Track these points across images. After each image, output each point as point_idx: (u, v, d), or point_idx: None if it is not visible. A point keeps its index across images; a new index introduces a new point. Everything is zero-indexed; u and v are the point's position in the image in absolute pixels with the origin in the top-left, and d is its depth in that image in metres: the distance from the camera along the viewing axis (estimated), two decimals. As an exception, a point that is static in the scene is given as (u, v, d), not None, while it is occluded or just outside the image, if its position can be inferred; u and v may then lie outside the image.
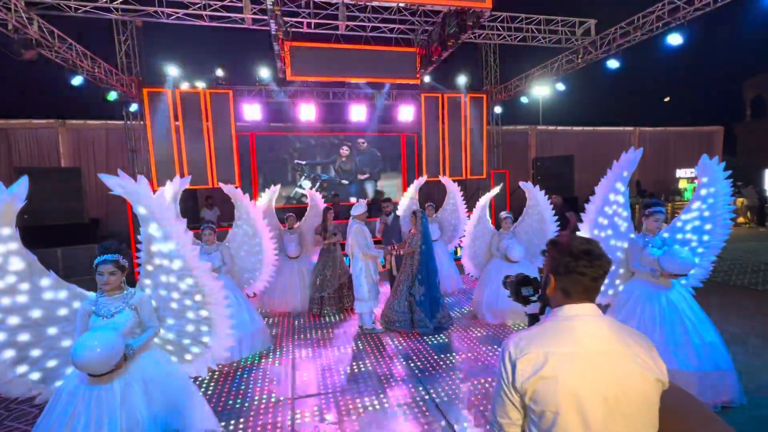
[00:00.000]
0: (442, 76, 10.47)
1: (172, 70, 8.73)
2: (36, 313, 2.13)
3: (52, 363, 2.22)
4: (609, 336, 1.09)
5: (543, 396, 1.06)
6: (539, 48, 8.52)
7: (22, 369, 2.15)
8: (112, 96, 7.92)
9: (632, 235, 3.26)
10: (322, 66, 7.86)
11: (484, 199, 5.17)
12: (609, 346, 1.08)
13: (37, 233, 7.06)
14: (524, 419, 1.15)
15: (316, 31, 7.90)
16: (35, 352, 2.16)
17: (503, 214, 5.19)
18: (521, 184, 5.12)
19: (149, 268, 2.36)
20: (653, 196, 11.83)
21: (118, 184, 2.13)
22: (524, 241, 5.08)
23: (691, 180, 14.61)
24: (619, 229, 3.24)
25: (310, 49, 7.78)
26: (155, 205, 2.20)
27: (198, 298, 2.39)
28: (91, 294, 2.27)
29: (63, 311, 2.21)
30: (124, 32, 8.51)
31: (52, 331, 2.19)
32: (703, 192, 3.32)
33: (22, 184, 2.01)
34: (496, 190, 5.55)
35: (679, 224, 3.41)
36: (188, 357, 2.50)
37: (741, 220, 12.49)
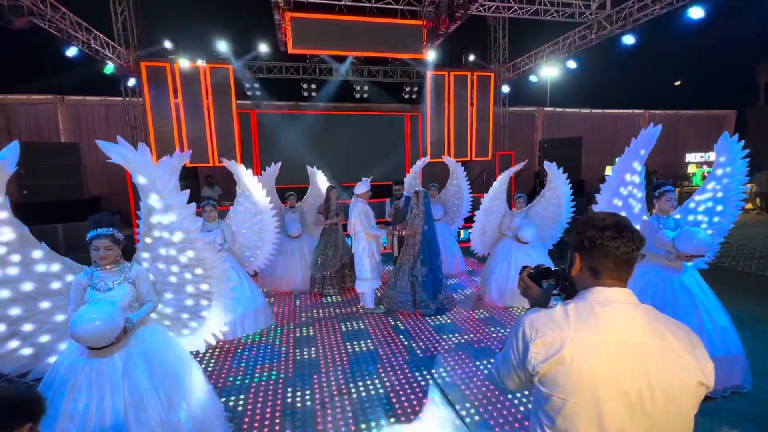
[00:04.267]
0: (448, 54, 10.15)
1: (170, 44, 8.48)
2: (28, 286, 2.06)
3: (44, 338, 2.16)
4: (642, 326, 0.97)
5: (553, 381, 0.97)
6: (551, 23, 8.17)
7: (13, 344, 2.09)
8: (109, 69, 7.72)
9: (645, 217, 3.15)
10: (325, 39, 7.58)
11: (507, 174, 4.97)
12: (640, 338, 0.96)
13: (38, 209, 7.01)
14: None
15: (319, 0, 7.59)
16: (27, 327, 2.10)
17: (516, 193, 5.07)
18: (546, 164, 4.94)
19: (148, 240, 2.28)
20: (658, 178, 11.63)
21: (116, 151, 2.02)
22: (536, 223, 4.96)
23: (700, 165, 14.36)
24: (632, 211, 3.12)
25: (312, 20, 7.50)
26: (156, 174, 2.09)
27: (199, 271, 2.33)
28: (86, 267, 2.19)
29: (56, 285, 2.14)
30: (121, 3, 8.23)
31: (44, 305, 2.12)
32: (719, 172, 3.23)
33: (12, 150, 1.90)
34: (521, 165, 5.37)
35: (692, 205, 3.34)
36: (186, 332, 2.46)
37: (749, 206, 12.31)
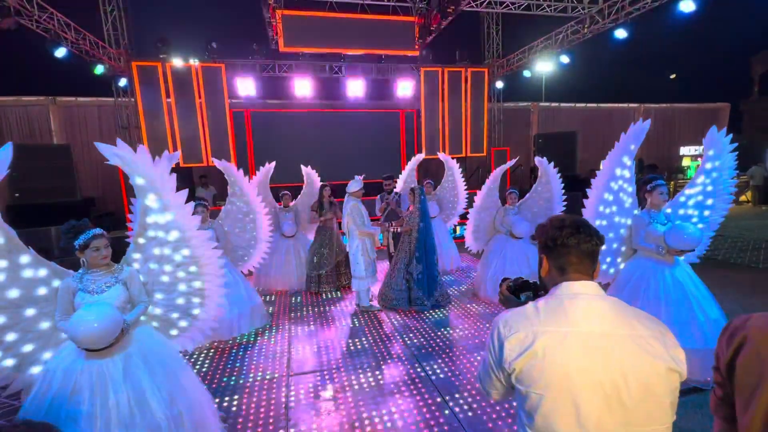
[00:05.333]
0: (441, 50, 10.12)
1: (161, 43, 8.40)
2: (13, 293, 2.00)
3: (28, 347, 2.10)
4: (610, 316, 1.00)
5: (528, 376, 1.00)
6: (543, 18, 8.15)
7: None
8: (99, 70, 7.65)
9: (636, 212, 3.16)
10: (317, 36, 7.55)
11: (499, 171, 5.00)
12: (609, 328, 0.99)
13: (30, 212, 6.96)
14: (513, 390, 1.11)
15: (310, -2, 7.55)
16: (11, 336, 2.03)
17: (509, 189, 5.10)
18: (537, 159, 4.95)
19: (141, 241, 2.30)
20: (654, 171, 11.67)
21: (114, 153, 2.06)
22: (528, 218, 4.98)
23: (694, 158, 14.43)
24: (623, 205, 3.13)
25: (303, 17, 7.46)
26: (155, 175, 2.14)
27: (193, 269, 2.37)
28: (71, 272, 2.17)
29: (42, 290, 2.09)
30: (110, 2, 8.14)
31: (29, 312, 2.07)
32: (709, 166, 3.24)
33: (5, 152, 1.87)
34: (512, 162, 5.43)
35: (682, 199, 3.35)
36: (173, 332, 2.45)
37: (743, 198, 12.37)
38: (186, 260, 2.32)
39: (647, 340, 0.97)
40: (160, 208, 2.19)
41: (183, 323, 2.45)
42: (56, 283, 2.12)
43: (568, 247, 1.07)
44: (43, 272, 2.10)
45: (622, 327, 0.99)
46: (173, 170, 2.28)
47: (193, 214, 4.12)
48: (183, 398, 2.14)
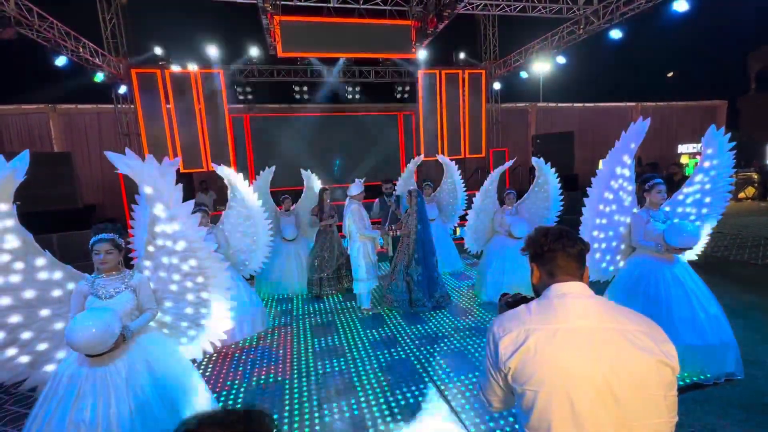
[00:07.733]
0: (439, 52, 10.18)
1: (161, 50, 8.47)
2: (29, 294, 2.07)
3: (42, 346, 2.17)
4: (598, 313, 1.04)
5: (523, 374, 1.02)
6: (539, 19, 8.22)
7: (11, 352, 2.10)
8: (99, 77, 7.70)
9: (635, 210, 3.19)
10: (315, 42, 7.60)
11: (496, 173, 5.03)
12: (598, 323, 1.02)
13: (31, 219, 6.95)
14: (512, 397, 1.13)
15: (307, 3, 7.59)
16: (26, 335, 2.11)
17: (507, 190, 5.12)
18: (533, 160, 4.99)
19: (150, 249, 2.32)
20: (654, 170, 11.67)
21: (124, 162, 2.09)
22: (527, 219, 5.01)
23: (692, 156, 14.47)
24: (623, 204, 3.16)
25: (300, 23, 7.51)
26: (163, 185, 2.16)
27: (200, 279, 2.38)
28: (87, 275, 2.20)
29: (57, 292, 2.16)
30: (109, 10, 8.21)
31: (44, 312, 2.13)
32: (707, 164, 3.27)
33: (23, 159, 1.93)
34: (509, 163, 5.46)
35: (680, 197, 3.37)
36: (183, 340, 2.47)
37: (742, 195, 12.39)
38: (193, 270, 2.32)
39: (635, 334, 1.00)
40: (167, 218, 2.21)
41: (192, 332, 2.47)
42: (71, 285, 2.17)
43: (555, 252, 1.13)
44: (58, 275, 2.16)
45: (610, 322, 1.02)
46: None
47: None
48: (187, 406, 2.15)
